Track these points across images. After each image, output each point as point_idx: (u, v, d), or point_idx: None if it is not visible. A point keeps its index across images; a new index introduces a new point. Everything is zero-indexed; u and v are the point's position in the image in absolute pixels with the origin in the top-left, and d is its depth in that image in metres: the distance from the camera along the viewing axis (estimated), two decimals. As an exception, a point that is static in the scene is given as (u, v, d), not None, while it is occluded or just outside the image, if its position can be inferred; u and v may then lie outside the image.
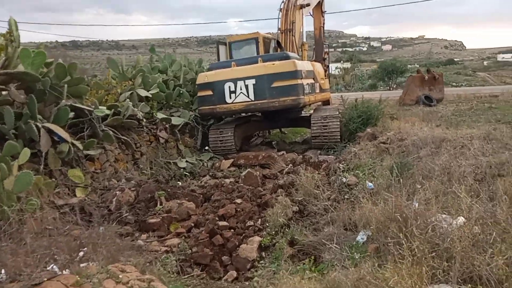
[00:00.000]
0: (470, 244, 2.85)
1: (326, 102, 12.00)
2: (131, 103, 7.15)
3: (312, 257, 3.75)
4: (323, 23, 13.35)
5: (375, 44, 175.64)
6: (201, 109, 9.17)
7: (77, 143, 5.78)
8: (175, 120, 8.52)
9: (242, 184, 6.46)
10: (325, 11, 13.59)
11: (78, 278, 3.06)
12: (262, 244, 4.17)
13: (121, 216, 5.07)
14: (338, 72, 45.89)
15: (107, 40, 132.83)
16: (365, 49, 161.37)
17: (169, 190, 5.88)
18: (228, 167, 8.00)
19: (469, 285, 2.54)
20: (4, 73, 5.16)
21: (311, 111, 10.43)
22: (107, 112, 6.66)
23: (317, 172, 6.50)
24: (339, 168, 6.52)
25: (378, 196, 4.25)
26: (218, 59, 10.72)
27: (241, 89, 8.56)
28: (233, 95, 8.66)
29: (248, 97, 8.54)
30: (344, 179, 5.84)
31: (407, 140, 6.97)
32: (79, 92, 6.56)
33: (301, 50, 11.15)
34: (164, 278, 3.51)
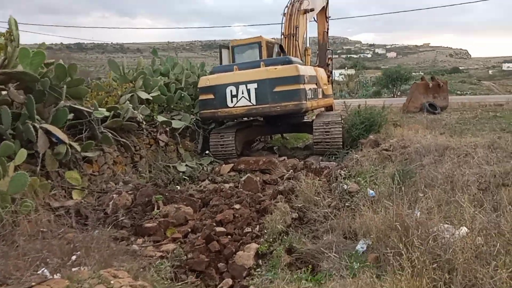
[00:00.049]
0: (473, 255, 2.76)
1: (329, 108, 11.93)
2: (131, 105, 7.10)
3: (310, 266, 3.65)
4: (327, 29, 13.32)
5: (379, 51, 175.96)
6: (202, 112, 9.11)
7: (75, 144, 5.72)
8: (176, 124, 8.46)
9: (241, 189, 6.37)
10: (330, 17, 13.56)
11: (68, 283, 2.97)
12: (259, 252, 4.07)
13: (117, 219, 4.99)
14: (342, 78, 45.87)
15: (111, 43, 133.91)
16: (369, 56, 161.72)
17: (167, 194, 5.80)
18: (228, 172, 7.92)
19: (472, 299, 2.44)
20: (2, 72, 5.12)
21: (314, 117, 10.35)
22: (107, 114, 6.61)
23: (318, 178, 6.42)
24: (340, 174, 6.43)
25: (379, 204, 4.16)
26: (221, 63, 10.68)
27: (242, 93, 8.50)
28: (234, 99, 8.60)
29: (249, 101, 8.47)
30: (345, 186, 5.74)
31: (410, 147, 6.87)
32: (79, 94, 6.51)
33: (304, 55, 11.09)
34: (157, 284, 3.42)
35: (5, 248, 3.65)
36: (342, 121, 9.35)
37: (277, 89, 8.25)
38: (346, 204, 5.05)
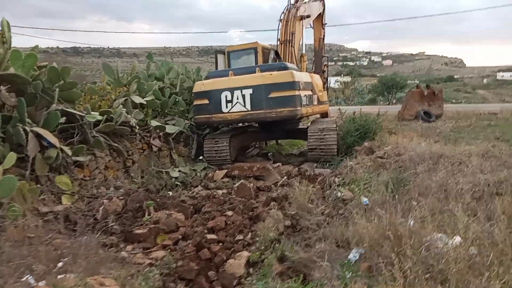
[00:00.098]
0: (466, 266, 2.72)
1: (325, 115, 11.92)
2: (124, 109, 7.03)
3: (302, 275, 3.58)
4: (323, 35, 13.34)
5: (375, 58, 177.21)
6: (197, 118, 9.05)
7: (66, 148, 5.64)
8: (170, 128, 8.40)
9: (234, 196, 6.31)
10: (326, 24, 13.58)
11: (53, 291, 2.90)
12: (251, 260, 3.99)
13: (107, 225, 4.90)
14: (338, 85, 46.02)
15: (108, 47, 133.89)
16: (365, 63, 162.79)
17: (158, 200, 5.71)
18: (222, 178, 7.84)
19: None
20: (-7, 74, 5.06)
21: (309, 123, 10.33)
22: (99, 118, 6.54)
23: (312, 185, 6.36)
24: (334, 182, 6.39)
25: (373, 212, 4.11)
26: (216, 68, 10.65)
27: (237, 99, 8.47)
28: (229, 104, 8.56)
29: (244, 107, 8.43)
30: (339, 194, 5.70)
31: (405, 155, 6.85)
32: (72, 97, 6.45)
33: (300, 62, 11.08)
34: (145, 293, 3.34)
35: (-10, 254, 3.56)
36: (337, 128, 9.33)
37: (272, 95, 8.22)
38: (340, 212, 5.00)
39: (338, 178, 6.63)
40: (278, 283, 3.41)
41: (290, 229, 4.79)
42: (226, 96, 8.56)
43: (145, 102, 8.22)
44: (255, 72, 8.61)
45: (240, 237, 4.57)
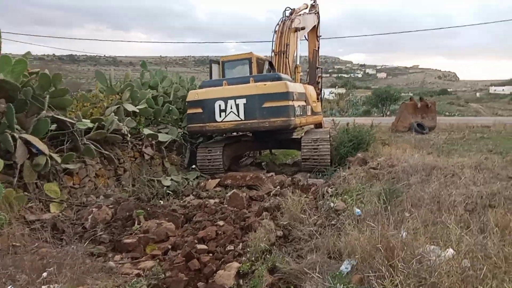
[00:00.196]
0: (459, 279, 2.66)
1: (319, 125, 11.93)
2: (116, 117, 6.96)
3: (292, 286, 3.52)
4: (318, 47, 13.44)
5: (370, 71, 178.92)
6: (190, 126, 9.01)
7: (56, 156, 5.55)
8: (162, 137, 8.33)
9: (226, 206, 6.23)
10: (320, 36, 13.70)
11: (34, 302, 2.80)
12: (241, 271, 3.91)
13: (96, 234, 4.80)
14: (333, 97, 46.32)
15: (104, 55, 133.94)
16: (360, 76, 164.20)
17: (149, 209, 5.62)
18: (214, 187, 7.76)
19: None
20: (-18, 80, 4.99)
21: (303, 134, 10.32)
22: (90, 125, 6.46)
23: (305, 195, 6.31)
24: (327, 192, 6.33)
25: (365, 223, 4.06)
26: (211, 78, 10.65)
27: (231, 108, 8.45)
28: (223, 113, 8.53)
29: (238, 116, 8.41)
30: (332, 204, 5.64)
31: (398, 166, 6.83)
32: (63, 104, 6.38)
33: (295, 73, 11.13)
34: (131, 304, 3.25)
35: (-27, 263, 3.46)
36: (331, 138, 9.32)
37: (266, 105, 8.21)
38: (332, 222, 4.94)
39: (331, 188, 6.57)
40: (268, 295, 3.33)
41: (282, 240, 4.72)
42: (219, 105, 8.54)
43: (137, 110, 8.16)
44: (249, 82, 8.61)
45: (231, 247, 4.49)
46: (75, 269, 3.59)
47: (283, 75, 9.03)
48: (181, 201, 6.75)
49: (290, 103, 8.24)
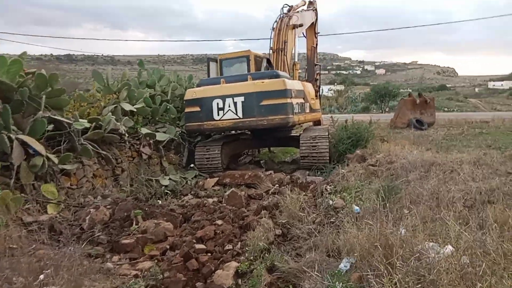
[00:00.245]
0: (458, 276, 2.64)
1: (317, 123, 11.90)
2: (113, 117, 6.93)
3: (291, 285, 3.50)
4: (316, 44, 13.39)
5: (369, 68, 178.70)
6: (188, 125, 8.97)
7: (53, 156, 5.52)
8: (160, 136, 8.29)
9: (225, 204, 6.21)
10: (319, 33, 13.66)
11: (31, 305, 2.78)
12: (239, 270, 3.89)
13: (93, 235, 4.78)
14: (332, 94, 46.28)
15: (102, 55, 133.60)
16: (359, 72, 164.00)
17: (147, 209, 5.59)
18: (213, 186, 7.73)
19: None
20: (-23, 81, 4.95)
21: (301, 131, 10.30)
22: (87, 125, 6.43)
23: (303, 193, 6.29)
24: (326, 190, 6.32)
25: (363, 221, 4.04)
26: (209, 76, 10.61)
27: (229, 106, 8.41)
28: (221, 112, 8.50)
29: (236, 114, 8.38)
30: (330, 202, 5.62)
31: (396, 163, 6.81)
32: (60, 104, 6.35)
33: (293, 70, 11.09)
34: (129, 305, 3.23)
35: (-32, 266, 3.43)
36: (329, 135, 9.30)
37: (264, 102, 8.18)
38: (331, 220, 4.92)
39: (330, 186, 6.56)
40: (267, 294, 3.31)
41: (281, 238, 4.71)
42: (217, 104, 8.50)
43: (135, 110, 8.12)
44: (247, 80, 8.58)
45: (229, 246, 4.47)
46: (73, 270, 3.56)
47: (281, 73, 9.00)
48: (180, 201, 6.72)
49: (289, 100, 8.22)
